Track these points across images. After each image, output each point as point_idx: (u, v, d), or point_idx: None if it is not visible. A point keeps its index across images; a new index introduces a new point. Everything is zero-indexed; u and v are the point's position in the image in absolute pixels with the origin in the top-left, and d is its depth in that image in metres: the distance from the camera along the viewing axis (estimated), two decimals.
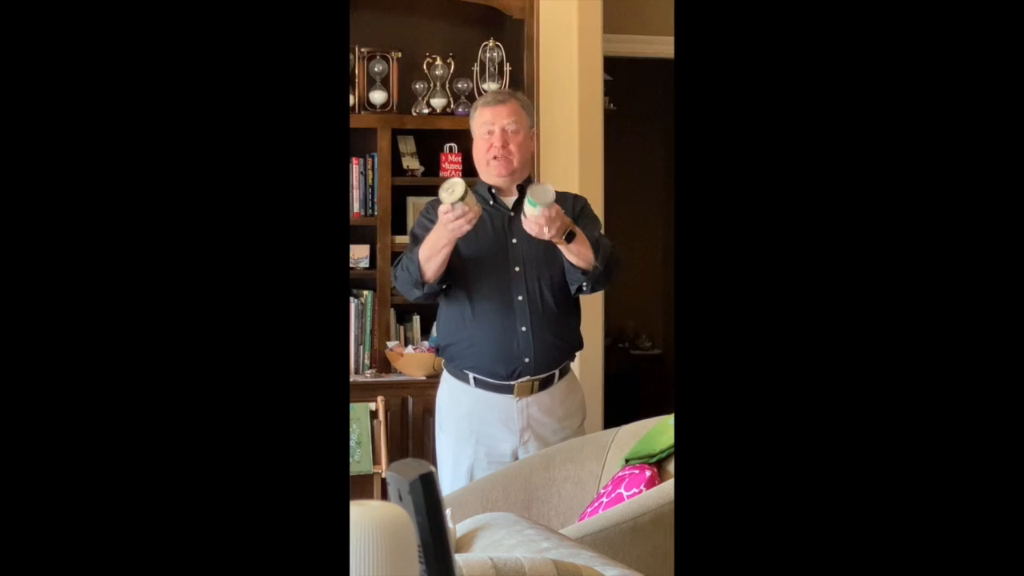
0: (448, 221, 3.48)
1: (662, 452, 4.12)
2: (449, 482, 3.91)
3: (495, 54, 5.55)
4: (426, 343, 5.51)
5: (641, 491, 3.88)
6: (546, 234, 3.48)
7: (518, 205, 3.74)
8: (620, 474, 4.11)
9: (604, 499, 4.01)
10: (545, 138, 5.56)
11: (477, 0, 5.50)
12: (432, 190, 5.28)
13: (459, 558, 2.68)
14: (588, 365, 5.48)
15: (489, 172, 3.76)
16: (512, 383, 3.71)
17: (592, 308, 5.45)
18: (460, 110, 5.53)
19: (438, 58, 5.53)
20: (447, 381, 3.93)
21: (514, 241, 3.74)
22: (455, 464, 3.92)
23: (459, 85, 5.53)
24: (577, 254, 3.62)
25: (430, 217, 3.71)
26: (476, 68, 5.53)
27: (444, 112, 5.54)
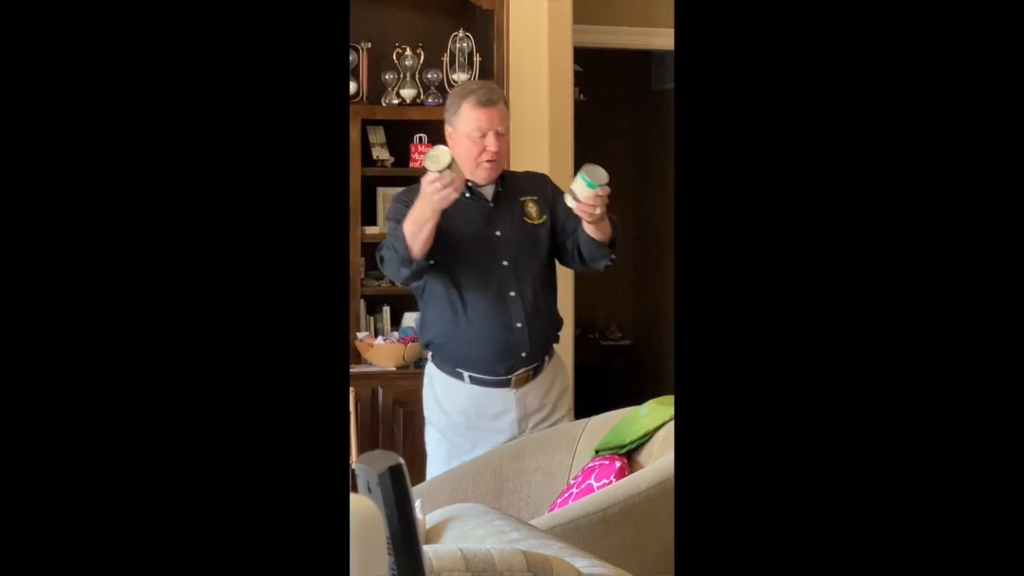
0: (435, 191, 3.47)
1: (632, 443, 4.14)
2: (448, 467, 3.97)
3: (465, 45, 5.59)
4: (396, 334, 5.51)
5: (611, 482, 3.89)
6: (596, 213, 3.50)
7: (497, 197, 3.81)
8: (590, 465, 4.10)
9: (574, 490, 4.02)
10: (516, 128, 5.36)
11: None
12: (402, 180, 5.29)
13: (429, 549, 2.68)
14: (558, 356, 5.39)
15: (478, 173, 3.76)
16: (510, 377, 3.74)
17: (562, 298, 5.43)
18: (430, 100, 5.55)
19: (408, 49, 5.55)
20: (436, 377, 3.91)
21: (497, 233, 3.76)
22: (449, 459, 3.95)
23: (429, 76, 5.56)
24: (603, 230, 3.66)
25: (405, 200, 3.71)
26: (446, 59, 5.58)
27: (414, 103, 5.56)
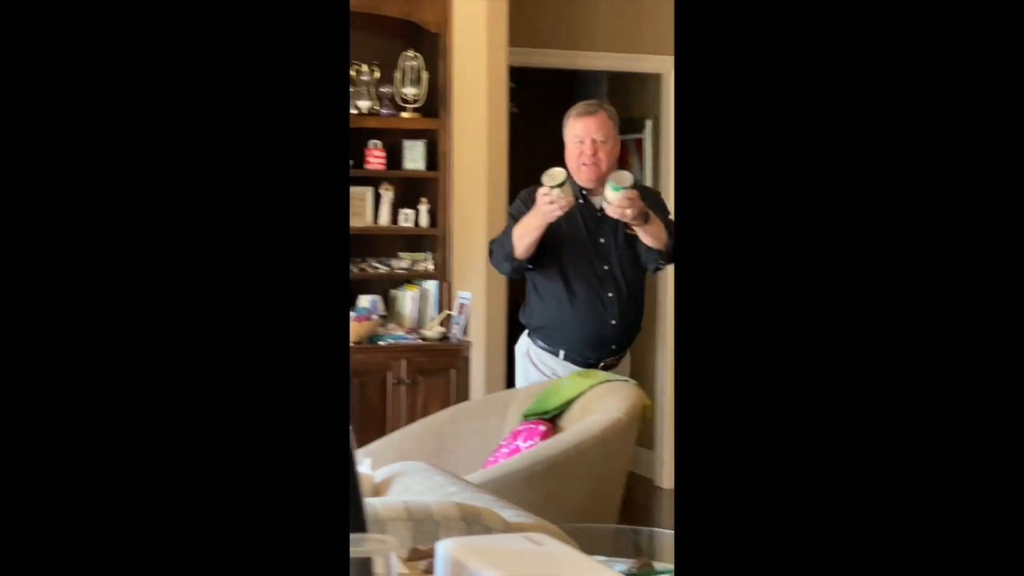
0: (543, 204, 3.76)
1: (555, 409, 4.34)
2: None
3: (415, 63, 5.79)
4: (353, 313, 5.65)
5: (536, 443, 4.15)
6: (628, 215, 3.74)
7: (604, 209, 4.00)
8: (518, 428, 4.36)
9: (504, 450, 4.28)
10: (457, 137, 5.76)
11: (398, 16, 5.68)
12: (356, 180, 5.59)
13: (376, 501, 2.89)
14: (494, 338, 5.77)
15: (579, 176, 4.02)
16: (598, 361, 4.08)
17: (496, 290, 5.79)
18: (383, 111, 5.77)
19: (365, 66, 5.74)
20: (532, 349, 4.28)
21: (602, 240, 4.02)
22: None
23: (383, 90, 5.77)
24: (653, 235, 3.89)
25: (525, 199, 4.06)
26: (398, 75, 5.78)
27: (370, 112, 5.74)
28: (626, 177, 3.76)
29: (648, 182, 6.90)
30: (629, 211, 3.72)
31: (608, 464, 4.16)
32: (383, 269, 5.96)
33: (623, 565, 3.61)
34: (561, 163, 6.70)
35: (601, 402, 4.26)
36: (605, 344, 4.07)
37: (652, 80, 6.85)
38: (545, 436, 4.26)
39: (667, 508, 6.27)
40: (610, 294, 4.01)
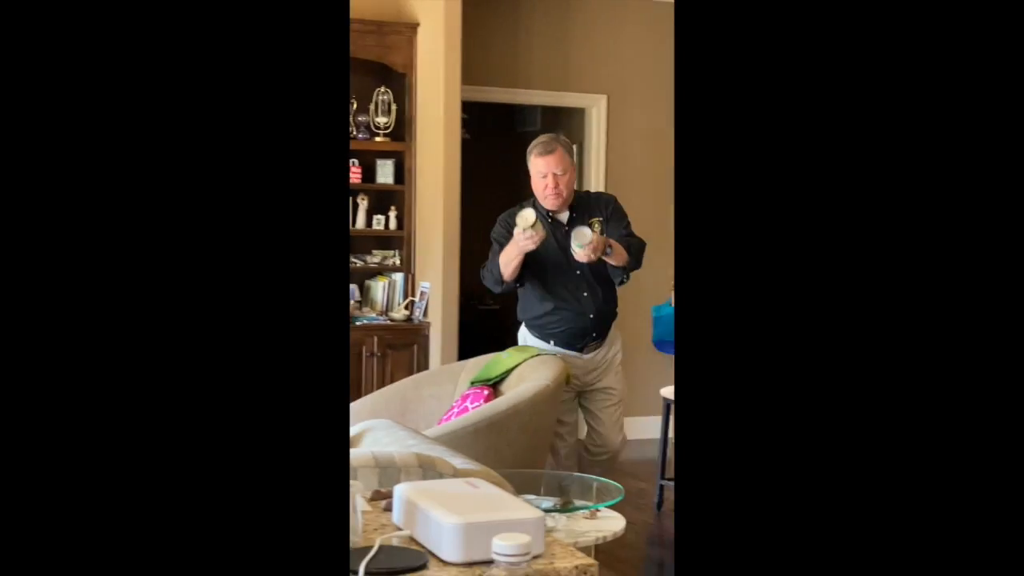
0: (520, 240, 3.71)
1: (496, 377, 4.32)
2: None
3: (385, 97, 5.75)
4: None
5: (481, 405, 4.12)
6: (593, 258, 3.69)
7: (571, 221, 3.94)
8: (467, 392, 4.35)
9: (455, 410, 4.26)
10: (420, 157, 5.73)
11: (372, 59, 5.64)
12: None
13: (351, 452, 2.74)
14: (448, 319, 5.70)
15: (546, 203, 3.91)
16: (583, 347, 3.97)
17: (451, 281, 5.71)
18: (360, 136, 5.71)
19: None
20: (530, 338, 4.16)
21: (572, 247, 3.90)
22: None
23: (359, 119, 5.73)
24: (616, 259, 3.82)
25: (504, 225, 3.98)
26: (372, 107, 5.73)
27: (349, 137, 5.66)
28: (585, 234, 3.68)
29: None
30: (592, 256, 3.68)
31: (538, 421, 4.16)
32: (359, 264, 5.92)
33: (549, 502, 3.66)
34: (503, 179, 6.61)
35: (533, 372, 4.26)
36: (586, 334, 3.96)
37: (578, 112, 6.80)
38: (488, 399, 4.24)
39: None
40: (584, 293, 3.91)
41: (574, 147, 6.90)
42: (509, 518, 1.39)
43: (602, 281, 3.92)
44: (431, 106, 5.68)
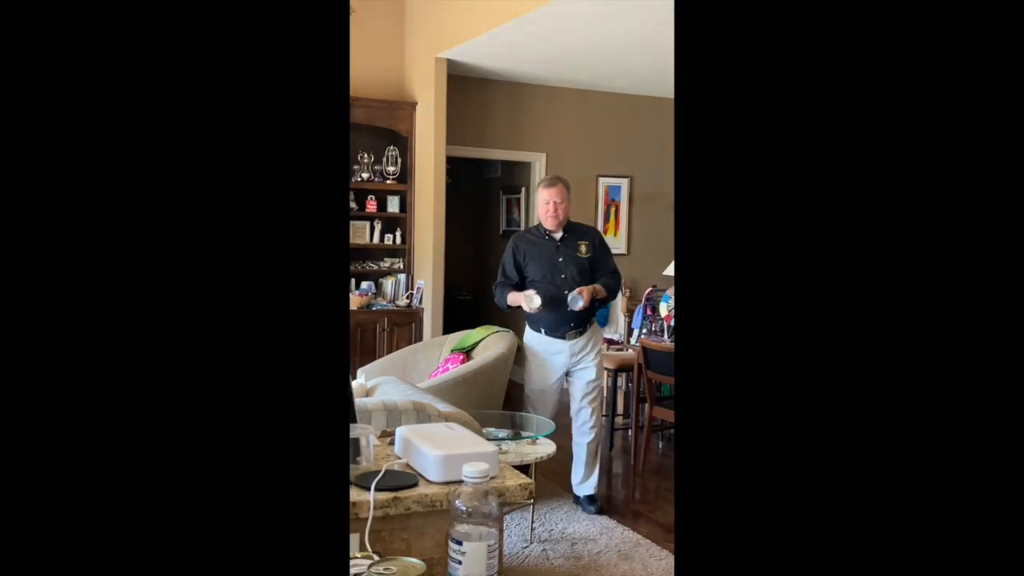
0: (525, 305, 3.61)
1: (469, 347, 4.33)
2: (538, 382, 3.82)
3: (393, 153, 5.69)
4: (357, 291, 5.53)
5: (458, 366, 4.13)
6: (583, 307, 3.56)
7: (563, 239, 3.74)
8: (448, 357, 4.40)
9: (440, 369, 4.27)
10: (417, 195, 5.67)
11: (385, 126, 5.61)
12: (360, 217, 5.40)
13: (367, 400, 2.82)
14: (436, 307, 5.61)
15: (547, 223, 3.73)
16: (565, 334, 3.70)
17: (438, 280, 5.61)
18: (375, 179, 5.62)
19: (366, 154, 5.63)
20: (529, 333, 3.84)
21: (560, 260, 3.72)
22: (532, 371, 3.82)
23: (375, 167, 5.66)
24: (602, 300, 3.72)
25: (513, 248, 3.79)
26: (384, 159, 5.67)
27: (368, 181, 5.63)
28: (575, 299, 3.57)
29: (522, 225, 6.83)
30: (586, 305, 3.59)
31: (497, 377, 4.19)
32: (375, 267, 5.86)
33: (503, 433, 3.69)
34: (474, 210, 6.51)
35: (494, 344, 4.30)
36: (567, 323, 3.68)
37: (526, 165, 6.76)
38: (463, 362, 4.23)
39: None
40: (565, 292, 3.65)
41: (523, 189, 6.94)
42: (474, 451, 1.38)
43: (581, 283, 3.70)
44: (425, 159, 5.62)
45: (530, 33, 4.75)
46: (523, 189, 6.95)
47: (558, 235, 3.77)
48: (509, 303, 3.68)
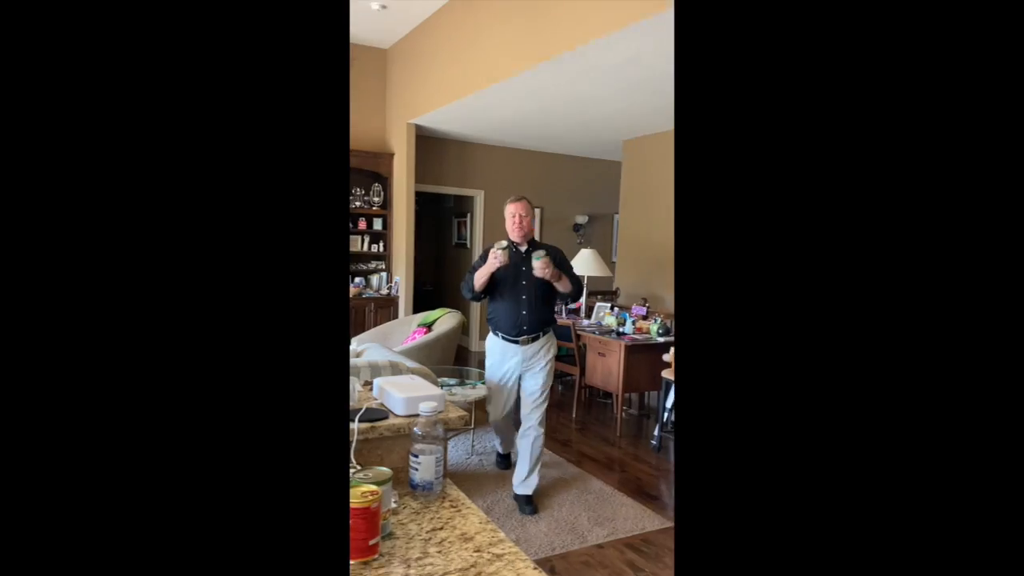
0: (491, 259, 2.74)
1: (430, 322, 4.21)
2: (494, 380, 2.91)
3: (377, 188, 5.51)
4: (352, 284, 5.33)
5: (423, 335, 4.04)
6: (547, 275, 2.71)
7: (528, 252, 2.88)
8: (415, 330, 4.26)
9: (410, 339, 4.14)
10: (395, 218, 5.48)
11: (371, 169, 5.40)
12: (353, 232, 5.23)
13: (355, 360, 2.68)
14: (407, 294, 5.43)
15: (513, 235, 2.90)
16: (519, 339, 2.85)
17: (409, 276, 5.44)
18: (364, 207, 5.42)
19: (357, 189, 5.45)
20: (490, 334, 3.00)
21: (524, 269, 2.85)
22: (492, 370, 2.91)
23: (364, 198, 5.47)
24: (562, 286, 2.83)
25: (483, 257, 2.88)
26: (371, 192, 5.49)
27: (359, 207, 5.46)
28: (541, 253, 2.73)
29: (467, 239, 6.80)
30: (546, 272, 2.71)
31: (449, 343, 4.15)
32: (364, 267, 5.70)
33: (453, 380, 3.67)
34: (434, 230, 6.37)
35: (448, 321, 4.25)
36: (520, 327, 2.85)
37: (470, 198, 6.68)
38: (425, 333, 4.13)
39: (474, 358, 6.07)
40: (524, 297, 2.87)
41: (468, 215, 6.90)
42: (428, 394, 1.35)
43: (538, 299, 2.87)
44: (400, 193, 5.48)
45: (475, 107, 4.72)
46: (468, 214, 6.88)
47: (523, 247, 2.99)
48: (476, 283, 2.85)
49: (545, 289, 2.90)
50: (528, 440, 2.85)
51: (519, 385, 2.89)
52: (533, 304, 2.88)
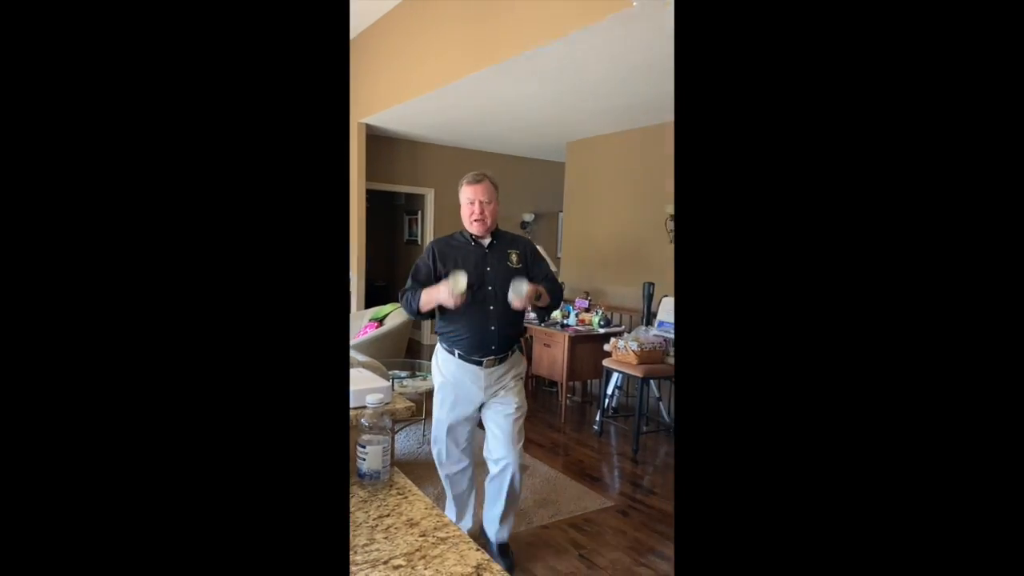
0: (444, 295, 1.99)
1: (381, 317, 4.17)
2: (444, 410, 2.16)
3: None
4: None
5: (375, 330, 4.02)
6: (526, 305, 2.03)
7: (491, 246, 2.14)
8: (367, 324, 4.20)
9: (362, 333, 4.10)
10: (352, 218, 5.59)
11: None
12: None
13: None
14: (360, 290, 5.36)
15: (472, 228, 2.14)
16: (482, 360, 2.08)
17: (361, 273, 5.35)
18: None
19: None
20: (440, 351, 2.18)
21: (488, 269, 2.09)
22: (442, 404, 2.15)
23: None
24: (542, 303, 2.12)
25: (429, 253, 2.16)
26: None
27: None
28: (522, 288, 2.01)
29: (419, 236, 6.74)
30: (526, 304, 2.03)
31: (400, 337, 4.12)
32: None
33: (404, 373, 3.64)
34: (385, 227, 6.30)
35: (398, 315, 4.21)
36: (486, 346, 2.08)
37: (420, 196, 6.64)
38: (377, 327, 4.11)
39: (425, 351, 6.04)
40: (491, 307, 2.08)
41: (419, 212, 6.84)
42: (375, 386, 1.34)
43: (508, 307, 2.09)
44: (354, 191, 5.36)
45: (425, 108, 4.68)
46: (419, 212, 6.85)
47: (486, 241, 2.19)
48: (422, 307, 2.08)
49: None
50: (503, 481, 2.09)
51: (480, 418, 2.16)
52: (503, 314, 2.10)
